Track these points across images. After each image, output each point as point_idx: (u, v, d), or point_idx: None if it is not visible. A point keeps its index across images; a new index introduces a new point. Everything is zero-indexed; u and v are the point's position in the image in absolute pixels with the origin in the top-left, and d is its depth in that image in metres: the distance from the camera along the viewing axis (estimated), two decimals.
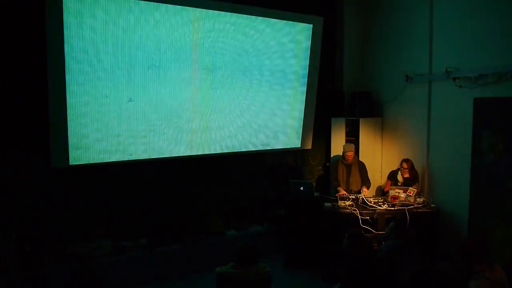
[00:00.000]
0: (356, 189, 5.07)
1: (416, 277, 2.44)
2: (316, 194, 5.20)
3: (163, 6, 4.52)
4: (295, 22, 5.49)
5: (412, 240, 3.51)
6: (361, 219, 4.38)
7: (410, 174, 4.83)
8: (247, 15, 5.11)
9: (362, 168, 5.16)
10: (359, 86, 6.10)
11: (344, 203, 4.62)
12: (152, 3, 4.44)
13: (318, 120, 6.04)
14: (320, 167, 6.33)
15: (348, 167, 5.13)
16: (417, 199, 4.57)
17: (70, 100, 4.19)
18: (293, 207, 4.93)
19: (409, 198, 4.52)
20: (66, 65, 4.10)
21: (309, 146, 6.08)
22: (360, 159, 5.30)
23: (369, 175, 5.19)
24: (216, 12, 4.88)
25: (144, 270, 4.49)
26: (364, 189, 4.96)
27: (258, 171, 5.80)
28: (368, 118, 5.71)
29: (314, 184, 6.20)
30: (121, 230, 4.67)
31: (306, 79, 5.78)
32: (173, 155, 4.97)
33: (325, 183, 6.11)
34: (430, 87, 4.91)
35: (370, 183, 5.14)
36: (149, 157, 4.80)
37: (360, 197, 4.72)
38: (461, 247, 2.85)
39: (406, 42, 5.31)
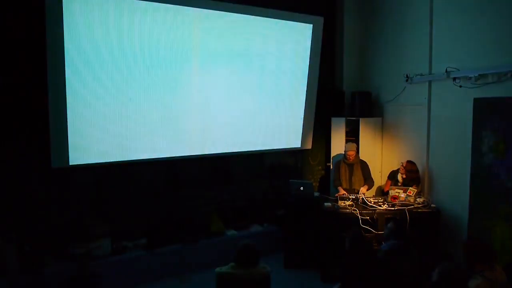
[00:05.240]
0: (359, 188, 5.06)
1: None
2: (316, 194, 5.20)
3: (163, 6, 4.52)
4: (295, 22, 5.49)
5: (411, 240, 3.51)
6: (361, 219, 4.37)
7: (408, 176, 4.82)
8: (247, 15, 5.11)
9: (364, 167, 5.15)
10: (359, 86, 6.10)
11: (344, 203, 4.62)
12: (152, 3, 4.45)
13: (318, 120, 6.05)
14: (320, 167, 6.34)
15: (351, 166, 5.13)
16: (417, 199, 4.57)
17: (70, 100, 4.19)
18: (293, 207, 4.92)
19: (409, 198, 4.52)
20: (66, 65, 4.10)
21: (309, 146, 6.08)
22: (362, 159, 5.29)
23: (371, 173, 5.18)
24: (217, 12, 4.88)
25: (144, 270, 4.49)
26: (362, 188, 4.95)
27: (258, 171, 5.80)
28: (368, 118, 5.71)
29: (316, 184, 6.21)
30: (121, 230, 4.68)
31: (306, 79, 5.78)
32: (173, 155, 4.97)
33: (326, 183, 6.11)
34: (430, 87, 4.91)
35: (373, 182, 5.14)
36: (149, 157, 4.80)
37: (360, 197, 4.72)
38: (466, 246, 2.86)
39: (406, 42, 5.31)
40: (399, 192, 4.58)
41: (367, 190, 5.02)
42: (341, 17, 6.12)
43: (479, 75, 4.11)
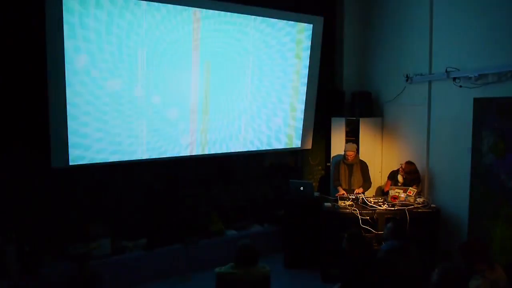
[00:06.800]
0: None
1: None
2: (316, 194, 5.20)
3: (164, 6, 4.52)
4: (295, 22, 5.49)
5: (411, 240, 3.51)
6: (361, 219, 4.37)
7: (408, 177, 4.81)
8: (247, 15, 5.11)
9: (364, 167, 5.15)
10: (359, 86, 6.10)
11: (344, 203, 4.62)
12: (153, 3, 4.45)
13: (318, 120, 6.04)
14: (320, 167, 6.33)
15: (350, 166, 5.12)
16: (417, 199, 4.57)
17: (70, 100, 4.19)
18: (293, 207, 4.92)
19: (409, 198, 4.52)
20: (66, 65, 4.10)
21: (309, 146, 6.08)
22: (361, 159, 5.29)
23: (369, 175, 5.18)
24: (217, 12, 4.88)
25: (144, 270, 4.49)
26: (357, 190, 4.93)
27: (258, 171, 5.80)
28: (368, 118, 5.71)
29: (316, 184, 6.21)
30: (121, 230, 4.68)
31: (306, 79, 5.78)
32: (173, 155, 4.97)
33: (326, 183, 6.11)
34: (430, 87, 4.91)
35: (370, 183, 5.14)
36: (149, 157, 4.80)
37: (360, 197, 4.72)
38: (462, 247, 2.86)
39: (406, 42, 5.31)
40: (399, 192, 4.58)
41: (362, 192, 4.99)
42: (341, 17, 6.11)
43: (479, 75, 4.11)
